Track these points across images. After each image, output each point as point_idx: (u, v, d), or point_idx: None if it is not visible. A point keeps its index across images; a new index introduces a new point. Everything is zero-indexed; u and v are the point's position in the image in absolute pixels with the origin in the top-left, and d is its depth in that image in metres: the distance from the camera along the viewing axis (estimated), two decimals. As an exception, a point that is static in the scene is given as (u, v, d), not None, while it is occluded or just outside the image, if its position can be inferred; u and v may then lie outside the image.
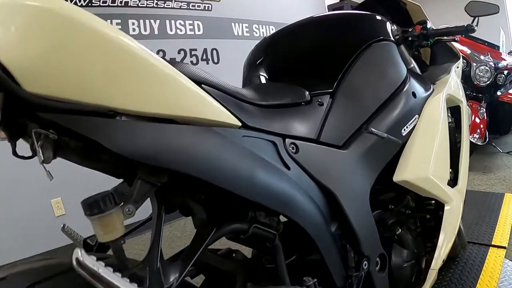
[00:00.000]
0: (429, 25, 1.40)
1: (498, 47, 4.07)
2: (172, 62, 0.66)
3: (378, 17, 1.25)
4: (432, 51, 1.58)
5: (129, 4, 2.94)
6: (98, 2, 2.77)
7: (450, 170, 1.30)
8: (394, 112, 1.12)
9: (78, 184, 2.24)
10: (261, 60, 1.23)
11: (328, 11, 5.38)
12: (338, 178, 0.90)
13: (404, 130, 1.13)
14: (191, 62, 3.35)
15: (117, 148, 0.53)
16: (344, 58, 1.10)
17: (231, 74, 3.62)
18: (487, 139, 3.41)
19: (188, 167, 0.60)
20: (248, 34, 4.00)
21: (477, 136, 3.32)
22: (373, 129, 1.03)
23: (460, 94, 1.46)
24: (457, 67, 1.53)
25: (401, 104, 1.15)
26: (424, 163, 1.13)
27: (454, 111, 1.50)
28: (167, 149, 0.58)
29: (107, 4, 2.81)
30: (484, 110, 3.54)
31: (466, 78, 3.78)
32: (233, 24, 3.83)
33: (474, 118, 3.45)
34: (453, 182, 1.32)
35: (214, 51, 3.60)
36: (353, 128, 1.01)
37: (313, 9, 5.04)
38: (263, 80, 1.19)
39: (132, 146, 0.54)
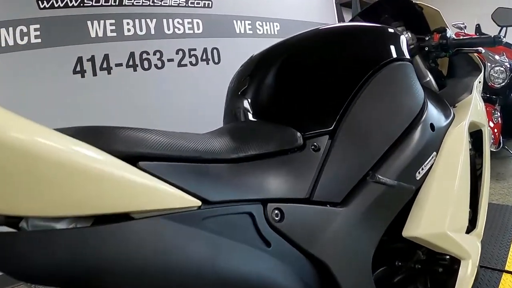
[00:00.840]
0: (449, 33, 1.29)
1: (513, 46, 3.98)
2: (103, 129, 0.58)
3: (390, 30, 1.10)
4: (450, 61, 1.47)
5: (123, 3, 2.90)
6: (91, 2, 2.73)
7: (469, 209, 1.13)
8: (407, 152, 0.94)
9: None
10: (245, 88, 1.03)
11: (337, 7, 5.31)
12: (334, 246, 0.75)
13: (419, 173, 0.97)
14: (190, 62, 3.32)
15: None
16: (347, 85, 0.93)
17: (232, 74, 3.60)
18: (501, 144, 3.34)
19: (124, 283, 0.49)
20: (251, 32, 3.95)
21: (491, 142, 3.25)
22: (381, 177, 0.86)
23: (483, 117, 1.32)
24: (479, 82, 1.40)
25: (417, 140, 0.98)
26: (441, 216, 0.97)
27: (474, 134, 1.32)
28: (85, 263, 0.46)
29: (100, 4, 2.77)
30: (499, 113, 3.47)
31: (480, 80, 3.71)
32: (234, 21, 3.78)
33: (488, 122, 3.37)
34: (471, 224, 1.16)
35: (215, 51, 3.55)
36: (357, 178, 0.84)
37: (320, 5, 5.00)
38: (245, 116, 0.99)
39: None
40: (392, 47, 1.04)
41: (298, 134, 0.82)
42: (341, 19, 5.33)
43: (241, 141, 0.74)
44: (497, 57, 3.81)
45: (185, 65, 3.28)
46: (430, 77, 1.33)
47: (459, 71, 1.45)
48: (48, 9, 2.52)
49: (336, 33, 1.11)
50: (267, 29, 4.13)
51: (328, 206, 0.78)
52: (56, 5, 2.54)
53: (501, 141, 3.35)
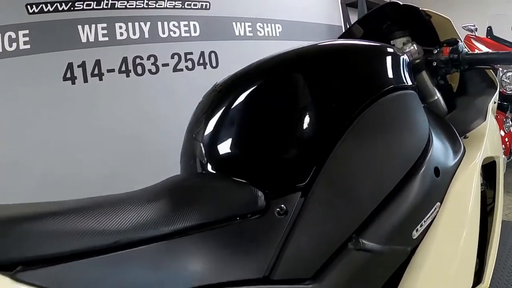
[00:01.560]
0: (461, 46, 1.15)
1: (527, 50, 3.92)
2: None
3: (389, 50, 0.95)
4: (461, 75, 1.31)
5: (116, 6, 2.90)
6: (82, 6, 2.73)
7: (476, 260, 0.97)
8: (403, 208, 0.78)
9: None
10: (201, 128, 0.83)
11: (342, 7, 5.29)
12: None
13: (417, 230, 0.81)
14: (187, 67, 3.31)
15: None
16: (329, 125, 0.76)
17: None
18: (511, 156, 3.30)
19: None
20: (251, 34, 3.94)
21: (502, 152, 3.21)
22: (366, 243, 0.71)
23: (498, 147, 1.20)
24: (494, 102, 1.26)
25: (416, 192, 0.81)
26: (441, 280, 0.83)
27: (487, 164, 1.16)
28: None
29: (91, 7, 2.77)
30: (510, 122, 3.42)
31: (491, 85, 3.67)
32: (234, 23, 3.77)
33: (499, 131, 3.33)
34: (476, 276, 0.98)
35: (213, 54, 3.54)
36: (335, 246, 0.70)
37: (325, 5, 5.00)
38: (202, 166, 0.81)
39: None
40: (391, 73, 0.90)
41: (260, 193, 0.68)
42: (346, 19, 5.30)
43: (181, 206, 0.63)
44: None
45: (181, 69, 3.27)
46: (438, 96, 1.21)
47: (471, 87, 1.30)
48: (37, 13, 2.52)
49: (319, 55, 0.90)
50: (268, 31, 4.12)
51: (294, 284, 0.65)
52: (45, 10, 2.55)
53: (512, 152, 3.30)
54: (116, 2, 2.90)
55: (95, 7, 2.78)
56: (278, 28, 4.20)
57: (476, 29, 4.20)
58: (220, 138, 0.79)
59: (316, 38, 4.54)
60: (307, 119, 0.76)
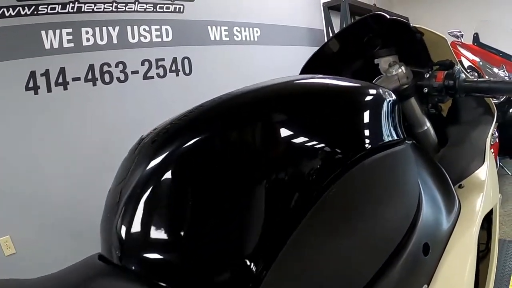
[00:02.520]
0: (458, 71, 1.05)
1: (513, 57, 4.13)
2: None
3: (373, 92, 0.80)
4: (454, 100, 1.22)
5: (82, 10, 2.94)
6: (46, 10, 2.76)
7: None
8: None
9: (29, 221, 2.24)
10: (117, 204, 0.66)
11: (324, 11, 5.44)
12: None
13: None
14: (158, 74, 3.38)
15: None
16: (288, 208, 0.60)
17: (205, 87, 3.62)
18: (497, 166, 3.45)
19: None
20: (227, 39, 4.04)
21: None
22: None
23: (497, 194, 1.12)
24: (492, 134, 1.18)
25: (398, 279, 0.70)
26: None
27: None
28: None
29: (56, 11, 2.81)
30: (496, 133, 3.59)
31: (477, 94, 3.83)
32: (209, 27, 3.87)
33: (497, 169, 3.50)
34: None
35: (186, 60, 3.62)
36: None
37: (306, 8, 5.14)
38: (113, 257, 0.64)
39: None
40: (375, 126, 0.75)
41: None
42: (328, 23, 5.42)
43: None
44: (496, 70, 3.95)
45: (152, 77, 3.32)
46: (427, 125, 1.14)
47: (464, 113, 1.21)
48: (-2, 18, 2.56)
49: (282, 102, 0.71)
50: (246, 35, 4.23)
51: None
52: (7, 14, 2.57)
53: (497, 162, 3.47)
54: (83, 5, 2.93)
55: (60, 10, 2.82)
56: (257, 32, 4.32)
57: (462, 35, 4.37)
58: (141, 224, 0.60)
59: (296, 43, 4.67)
60: (259, 194, 0.60)
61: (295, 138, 0.65)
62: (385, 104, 0.80)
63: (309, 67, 1.29)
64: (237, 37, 4.14)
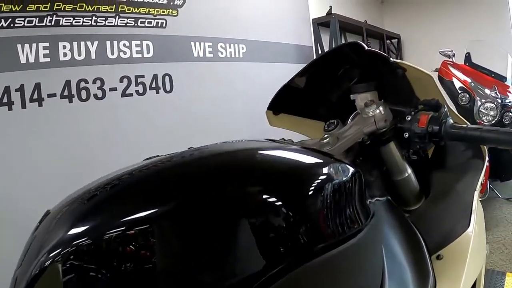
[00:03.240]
0: (444, 115, 0.99)
1: (506, 78, 4.26)
2: None
3: (325, 177, 0.73)
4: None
5: (60, 23, 3.02)
6: (22, 22, 2.84)
7: None
8: None
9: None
10: None
11: (314, 27, 5.61)
12: None
13: None
14: (137, 91, 3.44)
15: None
16: None
17: (186, 105, 3.70)
18: (488, 192, 3.56)
19: None
20: (211, 55, 4.12)
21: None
22: None
23: (481, 263, 1.05)
24: (481, 184, 1.12)
25: None
26: None
27: None
28: None
29: (33, 24, 2.89)
30: (487, 158, 3.68)
31: (468, 115, 3.96)
32: (192, 43, 3.95)
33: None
34: None
35: (167, 77, 3.69)
36: None
37: (294, 24, 5.24)
38: None
39: None
40: (326, 223, 0.69)
41: None
42: (318, 40, 5.57)
43: None
44: (487, 91, 4.07)
45: (131, 94, 3.39)
46: (408, 172, 1.08)
47: (450, 158, 1.18)
48: (-28, 31, 2.62)
49: (214, 180, 0.65)
50: (230, 52, 4.32)
51: None
52: (-19, 26, 2.65)
53: (488, 187, 3.57)
54: (61, 18, 3.01)
55: (37, 24, 2.89)
56: (242, 48, 4.42)
57: (453, 55, 4.50)
58: None
59: (284, 60, 4.78)
60: None
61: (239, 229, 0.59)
62: (341, 188, 0.73)
63: (278, 101, 1.29)
64: (222, 53, 4.21)
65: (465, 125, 0.98)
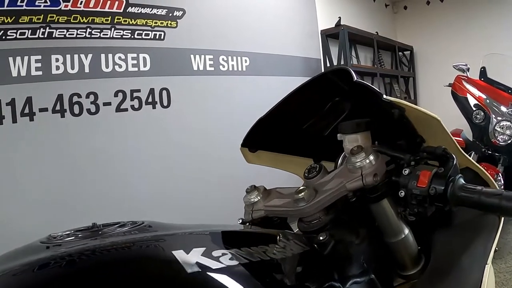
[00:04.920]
0: (452, 170, 0.85)
1: (523, 95, 4.26)
2: None
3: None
4: None
5: (53, 36, 3.16)
6: (15, 35, 2.98)
7: None
8: None
9: None
10: None
11: (322, 38, 5.70)
12: None
13: None
14: (132, 106, 3.55)
15: None
16: None
17: (184, 121, 3.79)
18: (502, 216, 3.59)
19: None
20: (212, 69, 4.22)
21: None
22: None
23: None
24: (492, 257, 0.95)
25: None
26: None
27: None
28: None
29: (25, 37, 3.02)
30: (502, 180, 3.72)
31: (482, 134, 4.00)
32: (192, 56, 4.06)
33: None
34: None
35: (164, 92, 3.80)
36: None
37: (302, 36, 5.32)
38: None
39: None
40: None
41: None
42: (326, 52, 5.66)
43: None
44: (503, 109, 4.04)
45: (125, 109, 3.50)
46: (405, 233, 0.95)
47: (457, 219, 0.99)
48: (-36, 43, 2.76)
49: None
50: (233, 65, 4.41)
51: None
52: (-27, 38, 2.78)
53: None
54: (54, 31, 3.15)
55: (29, 36, 3.03)
56: (245, 61, 4.52)
57: (468, 69, 4.48)
58: None
59: (290, 73, 4.86)
60: None
61: None
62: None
63: (254, 137, 1.19)
64: (223, 66, 4.31)
65: (479, 188, 0.82)
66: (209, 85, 4.14)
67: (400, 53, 7.65)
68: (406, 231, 0.95)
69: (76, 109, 3.21)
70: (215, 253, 0.66)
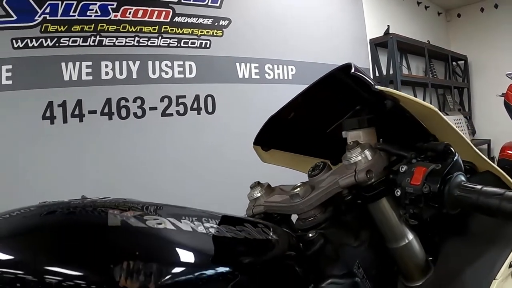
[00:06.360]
0: (451, 166, 0.81)
1: None
2: None
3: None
4: None
5: (103, 43, 3.42)
6: (67, 42, 3.26)
7: None
8: None
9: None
10: None
11: (370, 47, 5.76)
12: None
13: None
14: (177, 111, 3.72)
15: None
16: None
17: (229, 128, 3.92)
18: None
19: None
20: (257, 77, 4.32)
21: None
22: None
23: None
24: (507, 267, 0.88)
25: None
26: None
27: None
28: None
29: (77, 44, 3.30)
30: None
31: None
32: (237, 64, 4.18)
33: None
34: None
35: (209, 98, 3.93)
36: None
37: (351, 45, 5.38)
38: None
39: None
40: None
41: None
42: (375, 61, 5.72)
43: None
44: None
45: (171, 114, 3.69)
46: (409, 239, 0.90)
47: (470, 234, 0.93)
48: (21, 49, 3.07)
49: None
50: (279, 73, 4.51)
51: None
52: (30, 45, 3.10)
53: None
54: (104, 39, 3.41)
55: (81, 43, 3.30)
56: (291, 70, 4.61)
57: None
58: None
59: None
60: None
61: None
62: None
63: (266, 135, 1.21)
64: (269, 75, 4.41)
65: (479, 186, 0.76)
66: (254, 93, 4.24)
67: (454, 63, 7.53)
68: (411, 236, 0.90)
69: (123, 112, 3.43)
70: (183, 219, 0.75)
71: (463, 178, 0.80)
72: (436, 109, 0.86)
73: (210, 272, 0.66)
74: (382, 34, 5.82)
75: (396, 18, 6.31)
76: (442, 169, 0.79)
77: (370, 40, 5.80)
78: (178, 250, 0.69)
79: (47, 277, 0.56)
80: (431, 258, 0.92)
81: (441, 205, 0.78)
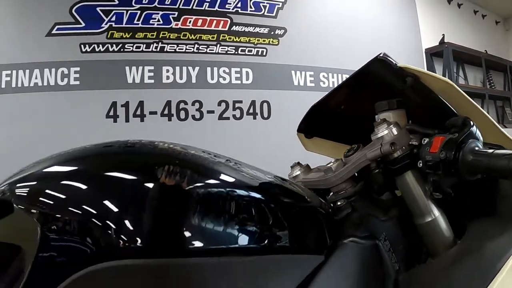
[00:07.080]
0: (467, 134, 0.84)
1: None
2: None
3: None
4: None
5: (165, 50, 3.64)
6: (131, 48, 3.50)
7: None
8: None
9: None
10: None
11: (426, 57, 5.72)
12: None
13: None
14: (234, 116, 3.86)
15: None
16: None
17: (284, 133, 4.04)
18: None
19: None
20: (312, 85, 4.38)
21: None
22: None
23: None
24: None
25: None
26: None
27: None
28: None
29: (140, 50, 3.54)
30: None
31: None
32: (293, 72, 4.27)
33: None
34: None
35: (265, 104, 4.04)
36: None
37: (406, 54, 5.36)
38: None
39: None
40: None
41: None
42: (431, 70, 5.63)
43: None
44: None
45: (227, 118, 3.82)
46: (435, 214, 0.91)
47: (499, 214, 0.90)
48: (89, 53, 3.34)
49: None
50: (333, 82, 4.53)
51: None
52: (97, 50, 3.37)
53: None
54: (166, 45, 3.63)
55: (144, 49, 3.54)
56: (345, 78, 4.59)
57: None
58: None
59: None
60: None
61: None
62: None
63: (309, 123, 1.26)
64: (324, 83, 4.45)
65: (490, 150, 0.79)
66: (309, 100, 4.16)
67: (513, 73, 7.23)
68: (437, 213, 0.91)
69: (182, 114, 3.61)
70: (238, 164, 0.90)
71: (477, 144, 0.83)
72: (452, 83, 0.90)
73: (263, 200, 0.79)
74: (437, 44, 5.77)
75: (451, 27, 6.24)
76: (458, 138, 0.82)
77: (425, 49, 5.75)
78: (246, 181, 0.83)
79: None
80: (458, 240, 0.92)
81: (457, 171, 0.81)
